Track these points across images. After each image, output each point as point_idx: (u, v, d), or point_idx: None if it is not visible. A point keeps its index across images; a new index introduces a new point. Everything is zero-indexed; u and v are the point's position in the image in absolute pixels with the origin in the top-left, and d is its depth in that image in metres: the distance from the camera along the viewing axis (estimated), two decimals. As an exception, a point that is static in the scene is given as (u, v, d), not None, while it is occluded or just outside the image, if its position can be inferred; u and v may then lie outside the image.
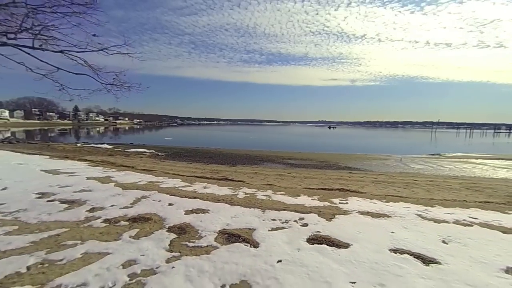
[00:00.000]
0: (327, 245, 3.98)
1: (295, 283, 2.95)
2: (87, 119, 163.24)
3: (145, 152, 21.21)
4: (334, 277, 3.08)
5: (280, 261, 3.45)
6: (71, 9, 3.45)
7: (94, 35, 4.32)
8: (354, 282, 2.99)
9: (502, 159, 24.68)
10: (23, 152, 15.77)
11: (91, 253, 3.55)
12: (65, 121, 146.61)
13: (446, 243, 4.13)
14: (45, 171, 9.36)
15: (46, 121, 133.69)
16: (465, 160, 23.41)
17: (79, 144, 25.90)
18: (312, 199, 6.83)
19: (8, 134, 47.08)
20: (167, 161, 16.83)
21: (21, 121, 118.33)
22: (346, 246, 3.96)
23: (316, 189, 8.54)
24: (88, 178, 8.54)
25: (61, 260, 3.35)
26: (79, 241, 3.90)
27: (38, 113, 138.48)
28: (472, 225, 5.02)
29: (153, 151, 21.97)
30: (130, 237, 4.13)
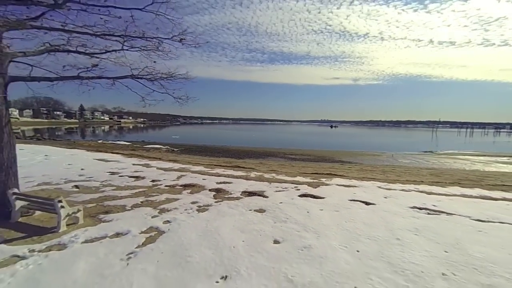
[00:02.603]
0: (311, 197, 6.44)
1: (289, 209, 5.40)
2: (92, 118, 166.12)
3: (161, 148, 23.77)
4: (311, 208, 5.54)
5: (281, 202, 5.92)
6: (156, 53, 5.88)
7: (154, 62, 6.76)
8: (322, 209, 5.44)
9: (487, 156, 26.81)
10: (61, 147, 18.39)
11: (169, 198, 6.05)
12: (72, 120, 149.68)
13: (386, 198, 6.56)
14: (97, 159, 11.92)
15: (53, 120, 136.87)
16: (452, 156, 25.61)
17: (99, 141, 28.57)
18: (305, 179, 9.28)
19: (19, 132, 49.43)
20: (183, 155, 19.35)
21: (30, 119, 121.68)
22: (322, 198, 6.41)
23: (310, 173, 10.97)
24: (133, 164, 11.07)
25: (155, 200, 5.86)
26: (158, 194, 6.40)
27: (45, 112, 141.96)
28: (410, 191, 7.44)
29: (168, 147, 24.53)
30: (187, 193, 6.63)
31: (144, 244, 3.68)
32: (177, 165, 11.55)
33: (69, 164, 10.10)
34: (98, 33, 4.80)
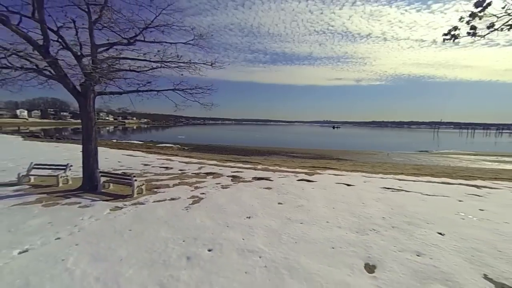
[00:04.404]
0: (306, 181, 8.34)
1: (289, 187, 7.31)
2: (97, 119, 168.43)
3: (172, 146, 25.79)
4: (305, 187, 7.44)
5: (283, 184, 7.82)
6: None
7: (181, 74, 8.68)
8: (313, 188, 7.33)
9: (478, 155, 28.37)
10: (85, 145, 20.47)
11: (198, 181, 7.98)
12: (78, 121, 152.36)
13: (365, 182, 8.43)
14: (126, 155, 13.92)
15: (60, 121, 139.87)
16: (444, 155, 27.24)
17: (114, 140, 30.68)
18: (303, 170, 11.16)
19: (40, 133, 51.89)
20: (195, 152, 21.32)
21: (38, 120, 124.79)
22: (315, 181, 8.30)
23: (308, 167, 12.84)
24: (157, 159, 13.04)
25: (188, 181, 7.79)
26: (189, 178, 8.34)
27: (53, 112, 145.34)
28: (387, 179, 9.29)
29: (179, 146, 26.53)
30: (210, 178, 8.56)
31: (193, 203, 5.61)
32: (194, 160, 13.50)
33: (106, 158, 12.09)
34: (151, 60, 6.75)
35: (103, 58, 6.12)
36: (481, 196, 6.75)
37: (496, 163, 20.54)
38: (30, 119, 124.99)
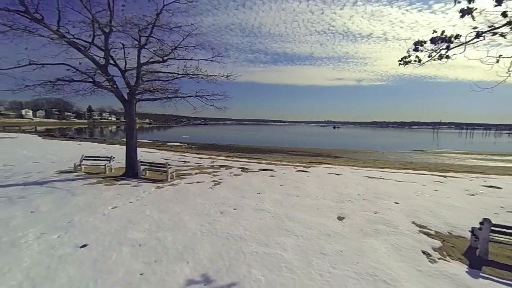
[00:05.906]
0: (303, 172, 10.02)
1: (289, 176, 9.00)
2: (100, 119, 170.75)
3: (180, 145, 27.51)
4: (302, 175, 9.12)
5: (284, 173, 9.52)
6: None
7: (198, 82, 10.38)
8: (308, 176, 9.02)
9: (470, 154, 29.91)
10: (101, 143, 22.22)
11: (214, 171, 9.68)
12: (81, 120, 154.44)
13: (352, 173, 10.10)
14: (144, 151, 15.63)
15: (64, 120, 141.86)
16: (437, 154, 28.80)
17: (124, 140, 32.50)
18: (301, 164, 12.85)
19: (55, 132, 53.55)
20: (202, 150, 23.03)
21: (43, 120, 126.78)
22: (310, 172, 9.99)
23: (306, 162, 14.52)
24: (173, 154, 14.77)
25: (206, 171, 9.50)
26: (206, 169, 10.04)
27: (57, 113, 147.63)
28: (372, 171, 10.95)
29: (186, 144, 28.25)
30: (224, 169, 10.26)
31: (215, 185, 7.31)
32: (205, 156, 15.22)
33: (129, 154, 13.81)
34: (178, 72, 8.46)
35: (143, 72, 7.84)
36: (442, 183, 8.41)
37: (482, 161, 22.13)
38: (35, 119, 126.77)
